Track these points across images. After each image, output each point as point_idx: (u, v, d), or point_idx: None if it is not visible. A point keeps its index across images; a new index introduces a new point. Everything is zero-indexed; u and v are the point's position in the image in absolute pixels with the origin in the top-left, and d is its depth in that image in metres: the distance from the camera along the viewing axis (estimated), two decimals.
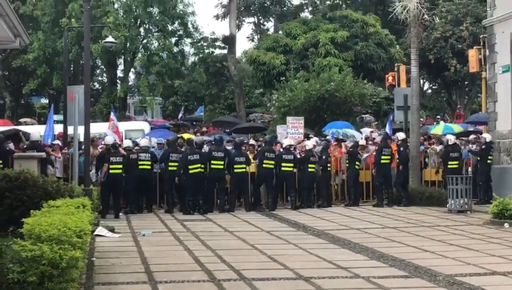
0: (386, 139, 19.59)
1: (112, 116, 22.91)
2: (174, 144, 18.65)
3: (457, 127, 27.05)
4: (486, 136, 19.31)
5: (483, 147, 18.83)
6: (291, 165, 18.26)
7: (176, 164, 17.46)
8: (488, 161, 18.82)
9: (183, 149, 18.45)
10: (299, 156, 18.86)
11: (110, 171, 16.60)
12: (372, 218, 15.96)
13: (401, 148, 19.00)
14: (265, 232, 13.66)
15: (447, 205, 17.00)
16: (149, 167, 17.69)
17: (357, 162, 19.00)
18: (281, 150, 18.67)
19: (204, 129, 37.08)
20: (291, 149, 18.68)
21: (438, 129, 25.81)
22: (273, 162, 18.04)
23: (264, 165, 18.02)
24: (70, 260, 6.35)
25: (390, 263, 9.97)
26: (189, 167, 17.19)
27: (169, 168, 17.59)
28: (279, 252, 10.95)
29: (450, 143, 18.82)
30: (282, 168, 18.14)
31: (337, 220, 15.52)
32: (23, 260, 6.20)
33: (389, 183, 18.90)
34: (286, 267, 9.64)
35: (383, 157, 18.71)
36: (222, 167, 17.61)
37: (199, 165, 17.32)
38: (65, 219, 7.46)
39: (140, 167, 17.46)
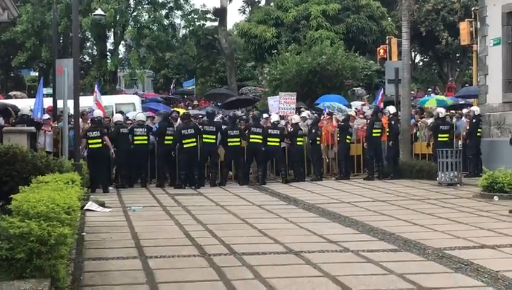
0: (377, 112, 19.59)
1: (96, 88, 22.71)
2: (167, 118, 18.53)
3: (449, 100, 27.09)
4: (475, 109, 19.33)
5: (473, 120, 18.84)
6: (277, 140, 18.23)
7: (171, 137, 17.41)
8: (478, 134, 18.85)
9: (177, 123, 18.38)
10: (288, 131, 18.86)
11: (89, 146, 16.51)
12: (362, 191, 16.01)
13: (392, 122, 19.01)
14: (256, 206, 13.69)
15: (437, 178, 17.05)
16: (146, 142, 17.61)
17: (348, 136, 19.01)
18: (269, 124, 18.64)
19: (195, 102, 37.02)
20: (278, 124, 18.62)
21: (431, 102, 25.74)
22: (260, 137, 18.01)
23: (250, 140, 18.00)
24: (58, 237, 6.32)
25: (379, 237, 10.00)
26: (184, 141, 17.14)
27: (165, 142, 17.51)
28: (270, 226, 10.96)
29: (440, 116, 18.83)
30: (269, 143, 18.10)
31: (328, 194, 15.56)
32: (11, 236, 6.17)
33: (380, 157, 18.93)
34: (277, 241, 9.65)
35: (374, 130, 18.72)
36: (214, 141, 17.57)
37: (194, 139, 17.29)
38: (54, 195, 7.42)
39: (136, 142, 17.38)
